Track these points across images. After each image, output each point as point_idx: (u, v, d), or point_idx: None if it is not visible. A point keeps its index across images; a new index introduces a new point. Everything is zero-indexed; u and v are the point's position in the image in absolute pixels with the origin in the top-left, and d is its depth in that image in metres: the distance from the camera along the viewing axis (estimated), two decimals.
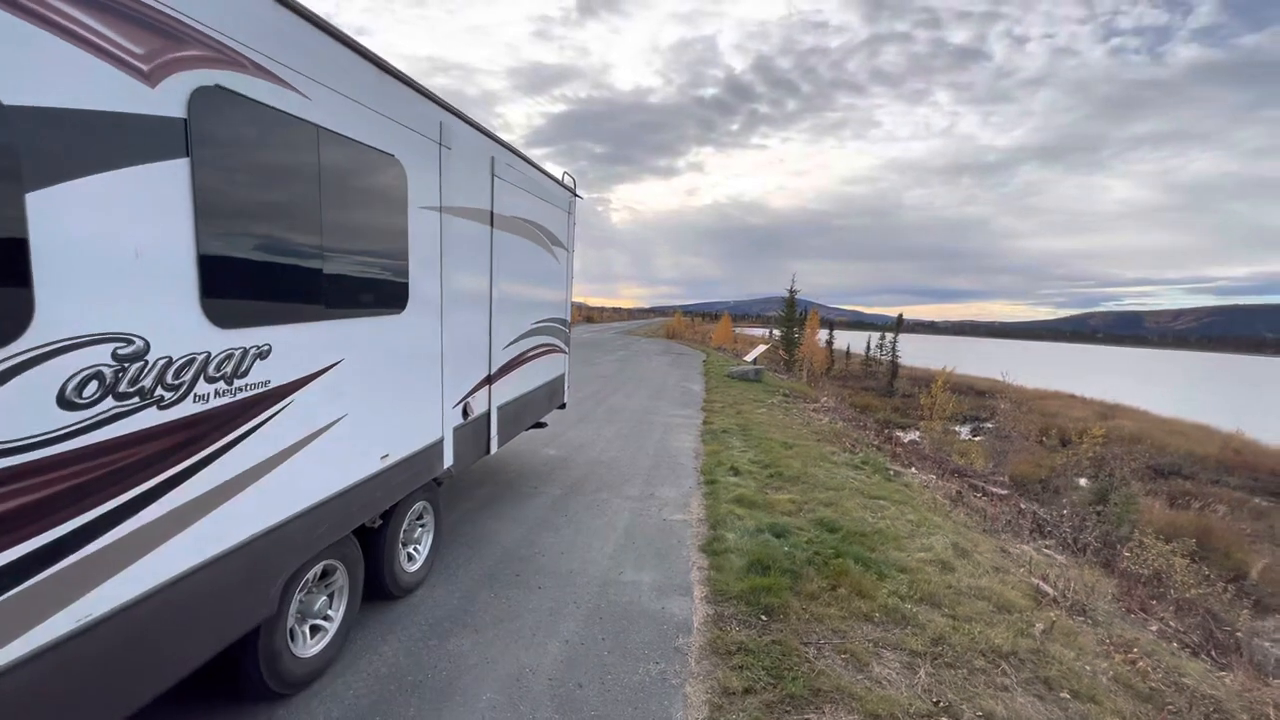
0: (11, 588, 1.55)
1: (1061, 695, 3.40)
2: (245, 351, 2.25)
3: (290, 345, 2.49)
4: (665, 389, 15.20)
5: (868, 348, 57.08)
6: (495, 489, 6.16)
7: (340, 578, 3.13)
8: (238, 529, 2.27)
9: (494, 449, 4.88)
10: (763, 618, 3.86)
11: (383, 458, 3.24)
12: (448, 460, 4.02)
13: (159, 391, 1.91)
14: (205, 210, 2.04)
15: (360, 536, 3.39)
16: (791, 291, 42.30)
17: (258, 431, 2.33)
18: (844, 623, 3.89)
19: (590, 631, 3.60)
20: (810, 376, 34.83)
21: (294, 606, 2.80)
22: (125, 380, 1.79)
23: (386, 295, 3.24)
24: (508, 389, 5.16)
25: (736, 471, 7.27)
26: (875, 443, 11.62)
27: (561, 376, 7.07)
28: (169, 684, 2.06)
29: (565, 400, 7.35)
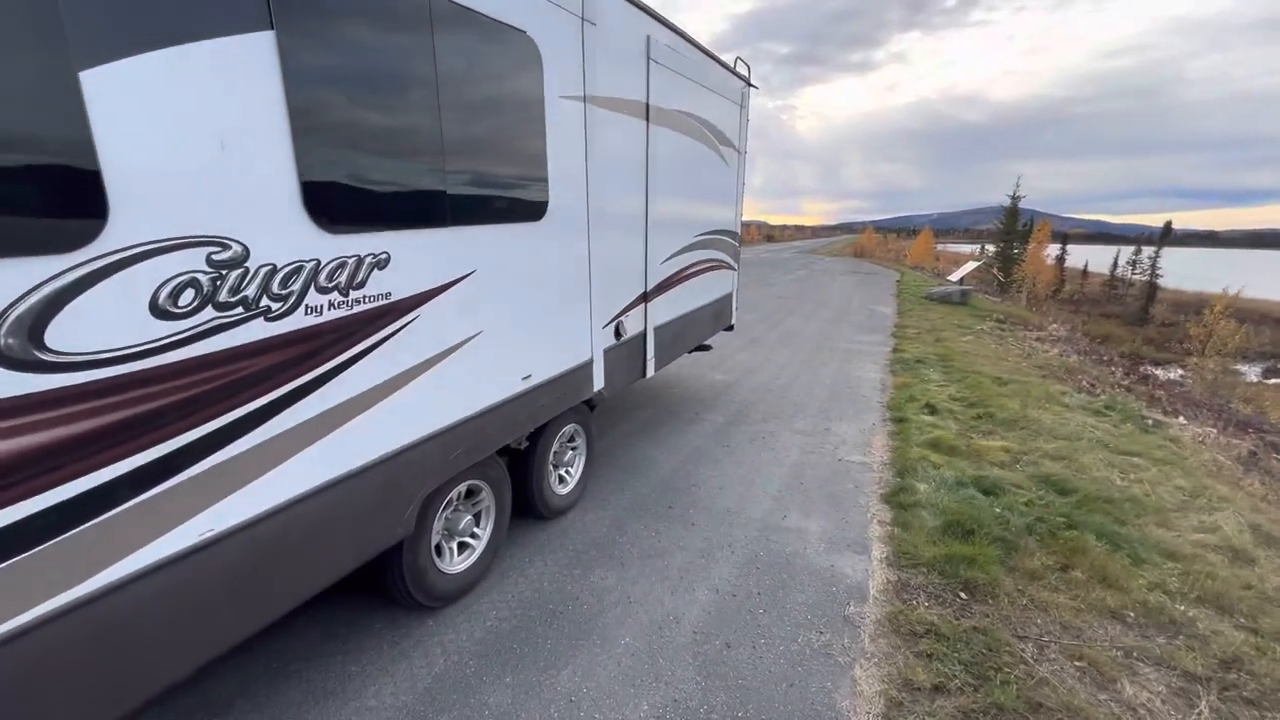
0: (127, 500, 1.52)
1: None
2: (360, 260, 2.05)
3: (412, 254, 2.26)
4: (849, 311, 13.76)
5: (1114, 265, 46.55)
6: (655, 412, 5.94)
7: (486, 498, 3.07)
8: (364, 449, 2.18)
9: (650, 372, 4.56)
10: (962, 595, 3.12)
11: (524, 378, 3.04)
12: (598, 383, 3.77)
13: (265, 302, 1.76)
14: (298, 96, 1.78)
15: (507, 457, 3.30)
16: (1014, 198, 35.69)
17: (379, 349, 2.17)
18: (1079, 617, 2.99)
19: (744, 582, 3.19)
20: (1032, 300, 29.61)
21: (438, 525, 2.77)
22: (225, 289, 1.65)
23: (522, 201, 2.91)
24: (666, 308, 4.74)
25: (932, 409, 6.18)
26: (1124, 382, 9.30)
27: (729, 296, 6.48)
28: (305, 596, 2.07)
29: (733, 322, 6.78)
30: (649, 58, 3.97)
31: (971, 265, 21.05)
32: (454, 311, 2.50)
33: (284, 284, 1.81)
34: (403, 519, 2.41)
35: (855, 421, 5.89)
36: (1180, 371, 20.23)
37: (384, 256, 2.14)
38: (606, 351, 3.84)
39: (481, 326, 2.67)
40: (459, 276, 2.51)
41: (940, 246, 62.38)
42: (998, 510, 3.95)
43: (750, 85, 6.21)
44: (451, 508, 2.90)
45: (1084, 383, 8.15)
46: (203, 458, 1.66)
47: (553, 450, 3.63)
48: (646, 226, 4.24)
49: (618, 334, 3.99)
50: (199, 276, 1.59)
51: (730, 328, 6.85)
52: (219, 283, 1.64)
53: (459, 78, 2.42)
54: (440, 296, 2.42)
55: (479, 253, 2.62)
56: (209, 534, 1.70)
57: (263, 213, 1.74)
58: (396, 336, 2.24)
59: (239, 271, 1.68)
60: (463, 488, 2.91)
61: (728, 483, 4.39)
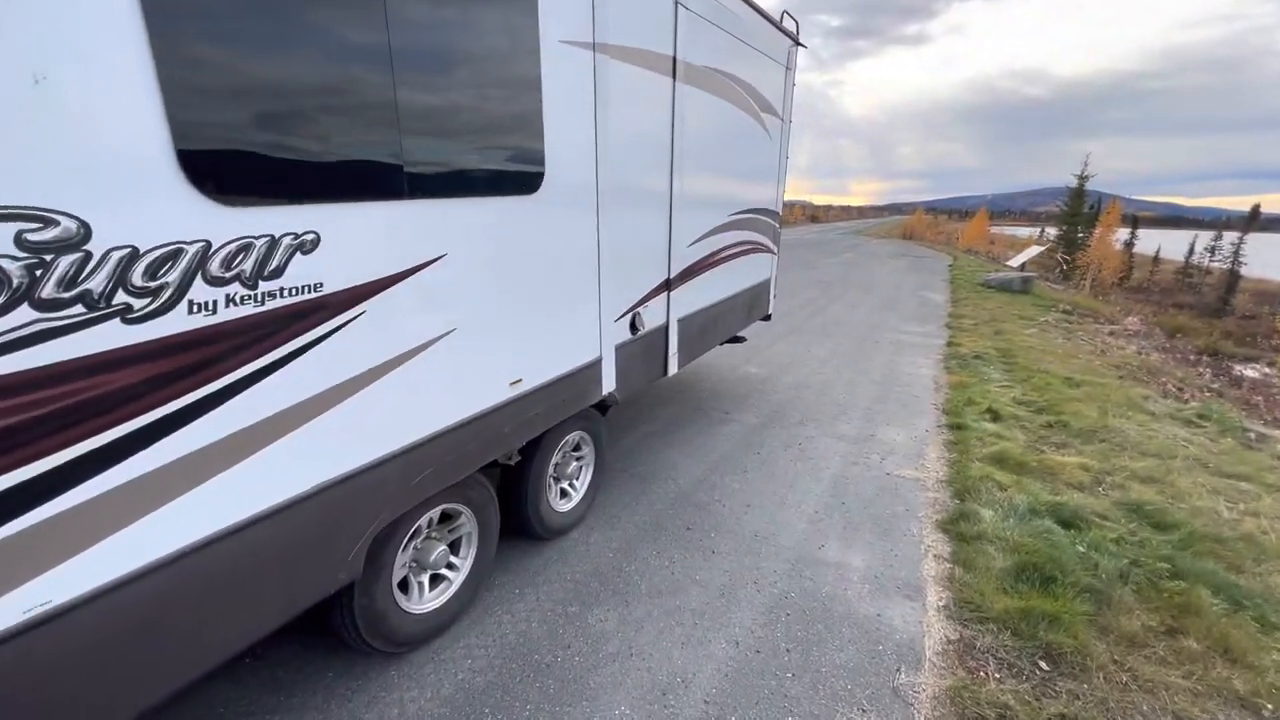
0: None
1: None
2: (274, 242, 1.57)
3: (353, 234, 1.77)
4: (898, 299, 12.85)
5: (1190, 251, 43.12)
6: (681, 410, 5.41)
7: (466, 523, 2.62)
8: (286, 481, 1.72)
9: (673, 370, 4.02)
10: (1043, 665, 2.52)
11: (513, 383, 2.55)
12: (608, 385, 3.26)
13: (122, 298, 1.30)
14: (165, 10, 1.29)
15: (498, 471, 2.85)
16: (1081, 177, 33.26)
17: (307, 354, 1.69)
18: (1196, 704, 2.36)
19: (770, 633, 2.67)
20: (1096, 287, 27.68)
21: (403, 559, 2.33)
22: (52, 281, 1.19)
23: (509, 170, 2.38)
24: (692, 297, 4.18)
25: (995, 415, 5.46)
26: (1214, 385, 8.28)
27: (766, 282, 5.85)
28: (209, 667, 1.64)
29: (770, 311, 6.15)
30: (678, 2, 3.36)
31: (1035, 250, 19.59)
32: (415, 305, 2.02)
33: (152, 274, 1.34)
34: (346, 561, 1.96)
35: (905, 427, 5.23)
36: (1266, 369, 18.49)
37: (310, 237, 1.65)
38: (619, 348, 3.32)
39: (455, 323, 2.18)
40: (423, 262, 2.02)
41: (995, 229, 59.35)
42: (1081, 549, 3.30)
43: (798, 44, 5.50)
44: (422, 536, 2.45)
45: (1169, 386, 7.22)
46: (21, 513, 1.22)
47: (552, 463, 3.15)
48: (671, 204, 3.67)
49: (633, 328, 3.46)
50: (2, 264, 1.13)
51: (768, 317, 6.22)
52: (40, 273, 1.18)
53: (418, 6, 1.90)
54: (396, 287, 1.93)
55: (450, 232, 2.12)
56: (39, 610, 1.27)
57: (112, 177, 1.27)
58: (332, 338, 1.76)
59: (75, 257, 1.22)
60: (435, 513, 2.45)
61: (757, 499, 3.85)
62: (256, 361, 1.58)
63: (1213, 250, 40.24)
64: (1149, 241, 49.52)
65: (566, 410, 2.95)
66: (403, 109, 1.86)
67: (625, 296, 3.34)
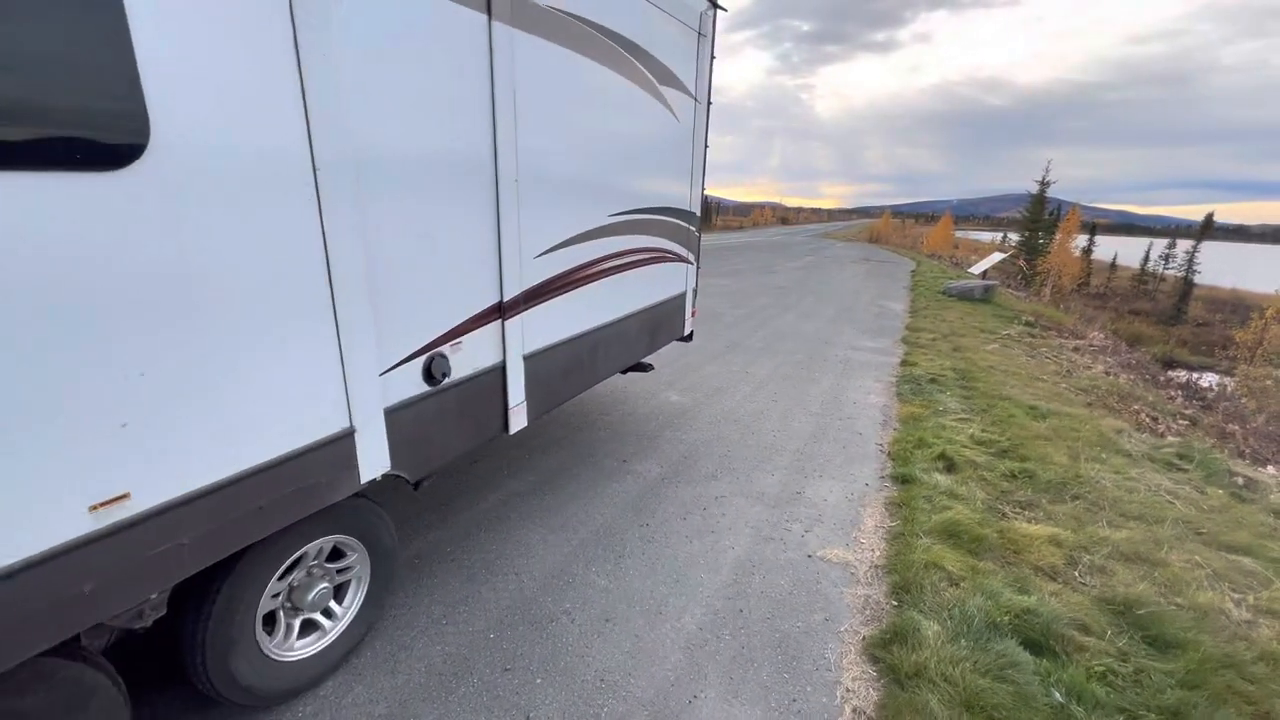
0: None
1: None
2: None
3: None
4: (855, 308, 12.02)
5: (1146, 259, 43.87)
6: (565, 458, 4.33)
7: None
8: None
9: (517, 425, 2.94)
10: None
11: (99, 506, 1.44)
12: (374, 466, 2.16)
13: None
14: None
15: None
16: (1043, 184, 33.39)
17: None
18: None
19: None
20: (1056, 294, 27.62)
21: None
22: None
23: (46, 129, 1.27)
24: (551, 324, 3.11)
25: (949, 464, 4.52)
26: (1187, 411, 7.55)
27: (680, 298, 4.81)
28: None
29: (687, 331, 5.12)
30: None
31: (997, 256, 19.08)
32: None
33: None
34: None
35: (841, 479, 4.26)
36: (1219, 378, 18.38)
37: None
38: (399, 409, 2.23)
39: None
40: None
41: (959, 234, 60.07)
42: (1059, 698, 2.33)
43: (716, 5, 4.47)
44: None
45: (1143, 416, 6.43)
46: None
47: (263, 600, 2.03)
48: (497, 198, 2.59)
49: (431, 376, 2.37)
50: None
51: (687, 338, 5.19)
52: None
53: None
54: None
55: None
56: None
57: None
58: None
59: None
60: None
61: (622, 609, 2.79)
62: None
63: (1166, 258, 40.95)
64: (1105, 248, 50.44)
65: (268, 524, 1.84)
66: None
67: (408, 333, 2.25)
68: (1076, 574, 3.27)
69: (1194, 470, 5.04)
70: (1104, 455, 5.00)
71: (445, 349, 2.46)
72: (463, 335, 2.54)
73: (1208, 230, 36.67)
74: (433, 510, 3.53)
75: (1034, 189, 33.85)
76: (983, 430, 5.29)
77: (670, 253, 4.44)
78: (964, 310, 12.59)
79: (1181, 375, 14.95)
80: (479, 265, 2.58)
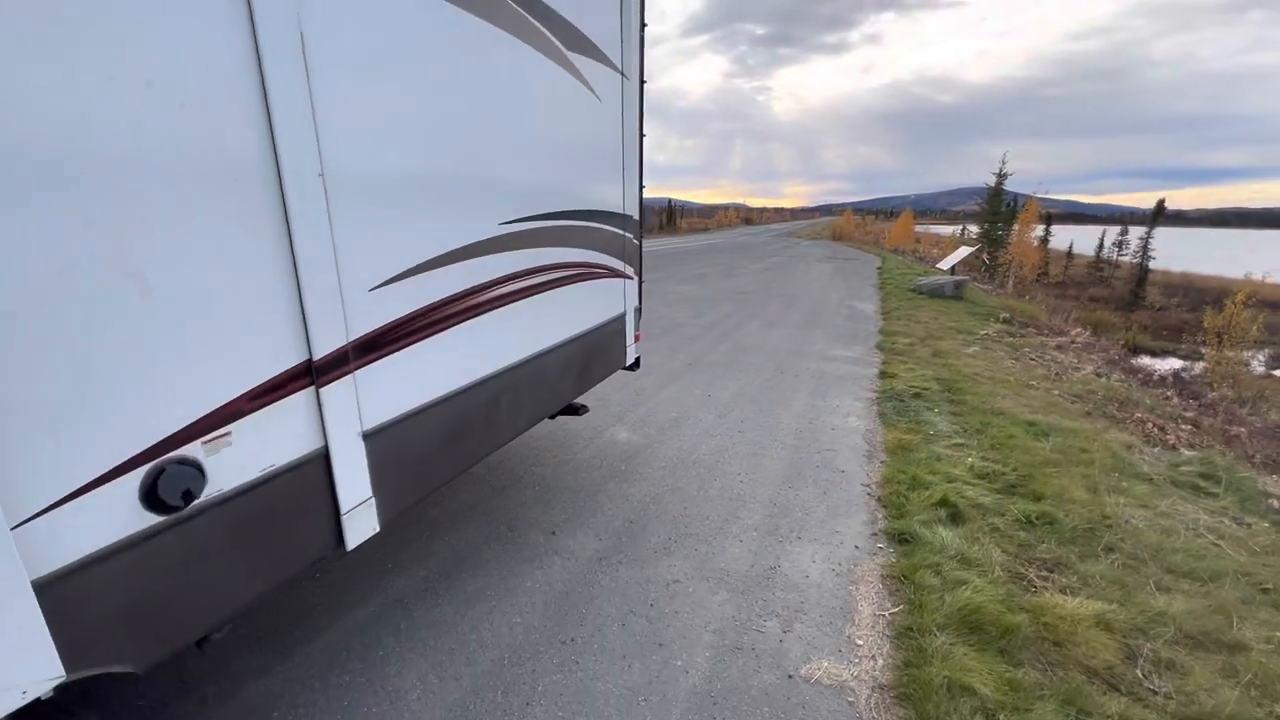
0: None
1: None
2: None
3: None
4: (824, 311, 11.32)
5: (1100, 246, 44.72)
6: (477, 533, 3.38)
7: None
8: None
9: (360, 536, 2.00)
10: None
11: None
12: (31, 680, 1.19)
13: None
14: None
15: None
16: (1000, 176, 33.71)
17: None
18: None
19: None
20: (1019, 285, 27.67)
21: None
22: None
23: None
24: (412, 378, 2.18)
25: (954, 512, 3.70)
26: (1187, 414, 6.96)
27: (619, 320, 3.92)
28: None
29: (631, 359, 4.23)
30: None
31: (965, 251, 18.75)
32: None
33: None
34: None
35: (826, 541, 3.40)
36: (1185, 363, 18.37)
37: None
38: (74, 573, 1.27)
39: None
40: None
41: (919, 228, 60.87)
42: None
43: None
44: None
45: (1148, 425, 5.78)
46: None
47: None
48: (284, 200, 1.65)
49: (154, 501, 1.41)
50: None
51: (632, 366, 4.30)
52: None
53: None
54: None
55: None
56: None
57: None
58: None
59: None
60: None
61: None
62: None
63: (1120, 245, 41.75)
64: (1061, 237, 51.46)
65: None
66: None
67: (92, 440, 1.30)
68: (1141, 675, 2.47)
69: (1224, 494, 4.35)
70: (1123, 483, 4.27)
71: (192, 449, 1.50)
72: (231, 422, 1.59)
73: (1159, 216, 37.44)
74: (268, 637, 2.55)
75: (990, 181, 34.14)
76: (983, 459, 4.52)
77: (601, 267, 3.54)
78: (937, 309, 12.01)
79: (1149, 363, 14.71)
80: (255, 309, 1.63)
